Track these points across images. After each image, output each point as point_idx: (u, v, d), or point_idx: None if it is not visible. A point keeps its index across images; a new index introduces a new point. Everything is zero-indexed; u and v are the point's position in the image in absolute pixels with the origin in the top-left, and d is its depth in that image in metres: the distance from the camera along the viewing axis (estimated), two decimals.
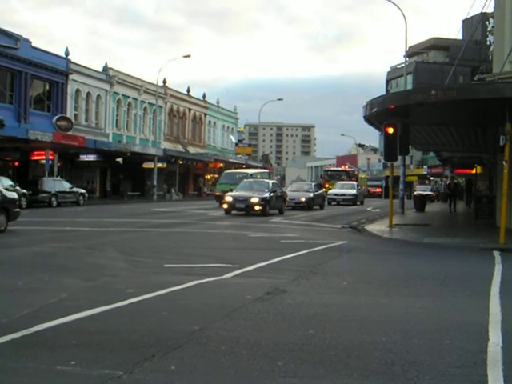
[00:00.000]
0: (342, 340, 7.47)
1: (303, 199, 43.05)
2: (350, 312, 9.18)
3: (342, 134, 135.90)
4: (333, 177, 79.97)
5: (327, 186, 69.51)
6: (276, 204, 36.67)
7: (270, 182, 39.92)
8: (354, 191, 57.31)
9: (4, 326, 7.69)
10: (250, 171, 53.52)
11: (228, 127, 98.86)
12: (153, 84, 69.97)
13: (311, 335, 7.67)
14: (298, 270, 13.53)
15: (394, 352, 7.00)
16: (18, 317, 8.28)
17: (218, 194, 47.80)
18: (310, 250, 17.85)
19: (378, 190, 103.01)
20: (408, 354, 6.97)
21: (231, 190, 41.46)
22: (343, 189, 57.87)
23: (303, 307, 9.41)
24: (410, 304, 10.01)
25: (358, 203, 56.77)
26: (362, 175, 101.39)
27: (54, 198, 43.91)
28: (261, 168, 74.78)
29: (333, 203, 53.88)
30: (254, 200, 34.67)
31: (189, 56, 65.07)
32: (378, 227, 27.30)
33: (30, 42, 54.29)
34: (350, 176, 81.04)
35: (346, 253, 17.64)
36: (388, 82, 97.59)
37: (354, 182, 66.52)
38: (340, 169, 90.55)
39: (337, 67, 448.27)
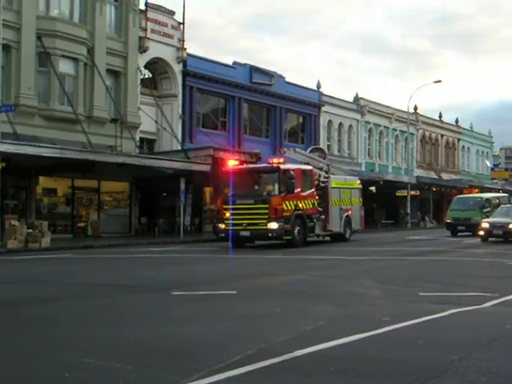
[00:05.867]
0: None
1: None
2: None
3: None
4: (241, 186, 30.36)
5: (224, 210, 30.34)
6: None
7: None
8: None
9: (264, 351, 7.96)
10: (486, 195, 47.66)
11: (482, 152, 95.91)
12: (403, 111, 69.64)
13: None
14: None
15: None
16: (277, 342, 8.53)
17: (448, 221, 43.25)
18: None
19: None
20: None
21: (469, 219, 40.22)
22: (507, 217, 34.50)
23: None
24: None
25: None
26: (346, 182, 37.12)
27: None
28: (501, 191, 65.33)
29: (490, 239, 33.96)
30: None
31: (439, 81, 63.95)
32: None
33: (284, 78, 56.50)
34: (289, 184, 29.49)
35: None
36: None
37: None
38: (262, 165, 34.87)
39: None
